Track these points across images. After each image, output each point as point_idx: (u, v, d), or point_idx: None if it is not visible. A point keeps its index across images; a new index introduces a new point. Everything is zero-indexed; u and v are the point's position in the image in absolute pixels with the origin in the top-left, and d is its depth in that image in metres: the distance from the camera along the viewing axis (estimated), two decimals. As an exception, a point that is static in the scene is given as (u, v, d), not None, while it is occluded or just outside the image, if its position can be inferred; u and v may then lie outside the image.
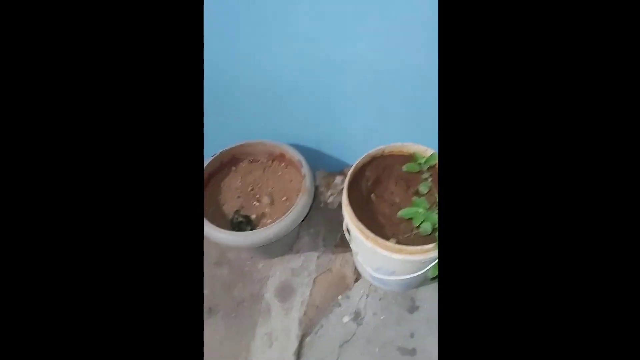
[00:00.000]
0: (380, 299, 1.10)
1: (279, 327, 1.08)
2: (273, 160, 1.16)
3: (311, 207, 1.03)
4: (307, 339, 1.05)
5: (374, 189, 0.98)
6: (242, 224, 1.01)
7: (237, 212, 1.05)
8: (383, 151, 1.02)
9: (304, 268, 1.18)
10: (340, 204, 1.28)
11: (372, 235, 0.84)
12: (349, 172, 0.96)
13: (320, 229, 1.27)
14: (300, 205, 0.98)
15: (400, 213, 0.87)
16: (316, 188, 1.15)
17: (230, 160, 1.15)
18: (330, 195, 1.11)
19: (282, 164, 1.15)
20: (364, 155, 0.99)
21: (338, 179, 1.07)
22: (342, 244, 1.22)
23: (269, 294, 1.14)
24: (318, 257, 1.20)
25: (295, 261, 1.20)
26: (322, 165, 1.21)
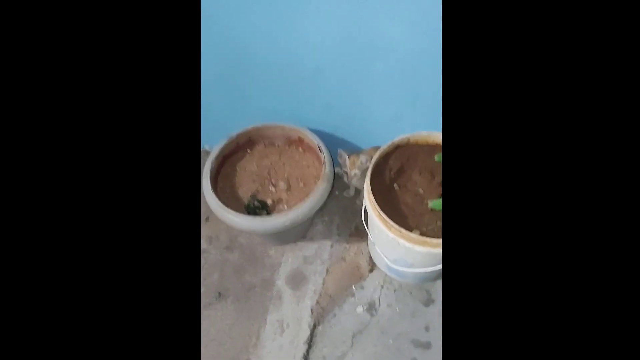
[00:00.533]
0: (395, 291, 1.11)
1: (290, 314, 1.08)
2: (290, 145, 1.15)
3: (329, 194, 1.02)
4: (319, 328, 1.06)
5: (397, 178, 0.97)
6: (258, 209, 1.00)
7: (253, 196, 1.04)
8: (408, 140, 1.01)
9: (317, 256, 1.18)
10: (356, 193, 1.28)
11: (395, 225, 0.83)
12: (372, 160, 0.95)
13: (335, 217, 1.26)
14: (319, 192, 0.97)
15: (432, 204, 0.87)
16: (336, 172, 1.12)
17: (247, 142, 1.13)
18: (354, 175, 1.08)
19: (300, 149, 1.14)
20: (388, 144, 0.98)
21: (363, 157, 1.05)
22: (357, 234, 1.22)
23: (281, 280, 1.14)
24: (332, 246, 1.20)
25: (308, 249, 1.19)
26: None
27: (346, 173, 1.11)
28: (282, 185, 1.07)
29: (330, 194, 1.26)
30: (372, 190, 0.89)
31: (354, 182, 1.13)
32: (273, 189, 1.07)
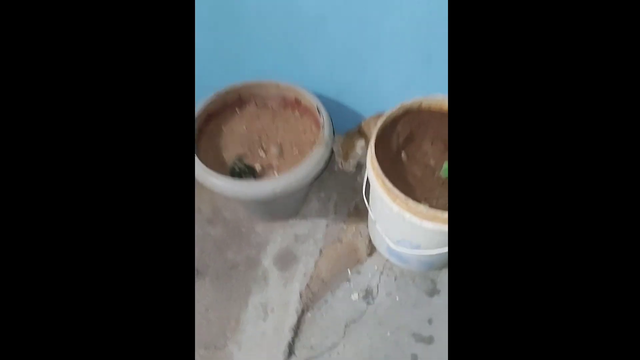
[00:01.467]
0: (396, 278, 1.02)
1: (276, 298, 1.00)
2: (285, 107, 1.06)
3: (327, 163, 0.93)
4: (308, 315, 0.98)
5: (405, 146, 0.88)
6: (244, 173, 0.92)
7: (239, 158, 0.95)
8: (420, 104, 0.91)
9: (310, 235, 1.09)
10: (357, 169, 1.19)
11: (402, 196, 0.74)
12: (378, 124, 0.86)
13: (332, 194, 1.18)
14: (315, 156, 0.89)
15: (443, 172, 0.78)
16: (332, 154, 1.04)
17: (236, 101, 1.05)
18: (351, 162, 1.01)
19: (296, 112, 1.05)
20: (397, 106, 0.89)
21: (359, 143, 0.97)
22: (356, 214, 1.13)
23: (268, 260, 1.06)
24: (327, 225, 1.11)
25: (300, 227, 1.11)
26: (343, 118, 1.11)
27: (341, 164, 1.02)
28: (273, 150, 0.98)
29: (328, 167, 1.17)
30: (376, 156, 0.80)
31: (352, 167, 1.04)
32: (263, 154, 0.98)
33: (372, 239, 1.08)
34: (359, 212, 1.13)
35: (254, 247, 1.08)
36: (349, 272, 1.04)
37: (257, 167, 0.96)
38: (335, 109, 1.06)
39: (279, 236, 1.10)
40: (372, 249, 1.07)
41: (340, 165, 1.03)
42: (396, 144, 0.88)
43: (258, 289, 1.01)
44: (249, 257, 1.07)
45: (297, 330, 0.96)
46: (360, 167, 1.18)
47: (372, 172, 0.82)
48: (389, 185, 0.76)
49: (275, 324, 0.96)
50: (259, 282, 1.03)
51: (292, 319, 0.97)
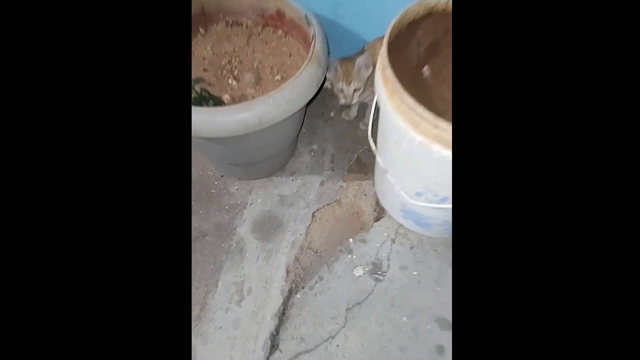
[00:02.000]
0: (412, 247, 0.80)
1: (254, 275, 0.78)
2: (265, 25, 0.83)
3: (319, 86, 0.70)
4: (297, 297, 0.75)
5: (428, 59, 0.65)
6: (204, 100, 0.68)
7: (197, 82, 0.72)
8: (447, 3, 0.68)
9: (300, 196, 0.87)
10: (360, 113, 0.96)
11: (429, 116, 0.52)
12: (391, 26, 0.63)
13: (328, 145, 0.95)
14: (305, 77, 0.66)
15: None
16: (330, 84, 0.81)
17: (199, 17, 0.81)
18: (355, 91, 0.78)
19: (279, 31, 0.82)
20: (416, 2, 0.66)
21: (361, 60, 0.74)
22: (359, 169, 0.91)
23: (244, 227, 0.83)
24: (322, 184, 0.89)
25: (286, 186, 0.88)
26: (340, 42, 0.87)
27: (342, 91, 0.79)
28: (249, 78, 0.75)
29: (322, 115, 0.94)
30: (390, 65, 0.57)
31: (356, 98, 0.81)
32: (234, 83, 0.75)
33: (380, 198, 0.86)
34: (362, 167, 0.91)
35: (227, 212, 0.85)
36: (351, 241, 0.81)
37: (226, 98, 0.72)
38: (330, 29, 0.82)
39: (258, 197, 0.87)
40: (380, 212, 0.85)
41: (339, 95, 0.80)
42: (416, 55, 0.65)
43: (231, 265, 0.79)
44: (219, 225, 0.84)
45: (282, 316, 0.73)
46: (364, 111, 0.95)
47: (385, 89, 0.59)
48: (410, 101, 0.54)
49: (253, 308, 0.74)
50: (232, 256, 0.80)
51: (275, 302, 0.74)
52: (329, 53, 0.74)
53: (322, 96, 1.02)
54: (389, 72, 0.57)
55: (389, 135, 0.66)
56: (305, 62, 0.67)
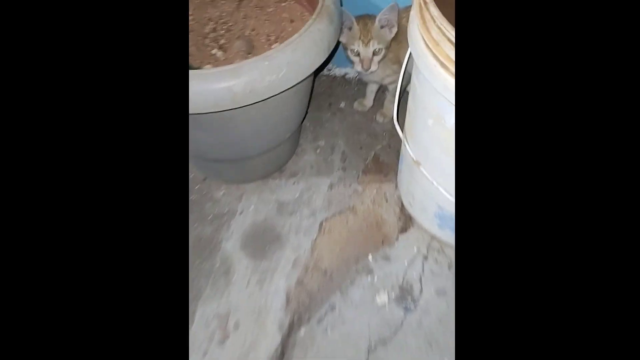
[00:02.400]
0: (451, 266, 0.62)
1: (243, 304, 0.60)
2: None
3: (330, 49, 0.54)
4: (301, 333, 0.57)
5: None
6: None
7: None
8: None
9: (303, 203, 0.70)
10: (377, 102, 0.81)
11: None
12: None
13: (338, 141, 0.79)
14: (313, 32, 0.50)
15: None
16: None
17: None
18: (374, 54, 0.62)
19: (278, -5, 0.67)
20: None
21: (383, 16, 0.59)
22: (377, 169, 0.75)
23: (232, 242, 0.66)
24: (331, 187, 0.72)
25: (286, 190, 0.72)
26: (356, 9, 0.72)
27: (357, 55, 0.64)
28: (238, 46, 0.60)
29: (330, 106, 0.79)
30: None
31: (376, 65, 0.66)
32: (219, 53, 0.60)
33: (406, 203, 0.69)
34: (382, 166, 0.75)
35: (209, 223, 0.68)
36: (370, 258, 0.64)
37: (207, 69, 0.56)
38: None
39: (251, 204, 0.70)
40: (406, 221, 0.68)
41: (355, 60, 0.65)
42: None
43: (213, 291, 0.61)
44: (199, 239, 0.66)
45: (282, 358, 0.55)
46: (382, 99, 0.80)
47: (425, 35, 0.43)
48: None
49: (241, 350, 0.56)
50: (215, 279, 0.62)
51: (272, 341, 0.56)
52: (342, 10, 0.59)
53: (330, 84, 0.87)
54: (434, 9, 0.41)
55: (429, 108, 0.50)
56: (314, 15, 0.52)
